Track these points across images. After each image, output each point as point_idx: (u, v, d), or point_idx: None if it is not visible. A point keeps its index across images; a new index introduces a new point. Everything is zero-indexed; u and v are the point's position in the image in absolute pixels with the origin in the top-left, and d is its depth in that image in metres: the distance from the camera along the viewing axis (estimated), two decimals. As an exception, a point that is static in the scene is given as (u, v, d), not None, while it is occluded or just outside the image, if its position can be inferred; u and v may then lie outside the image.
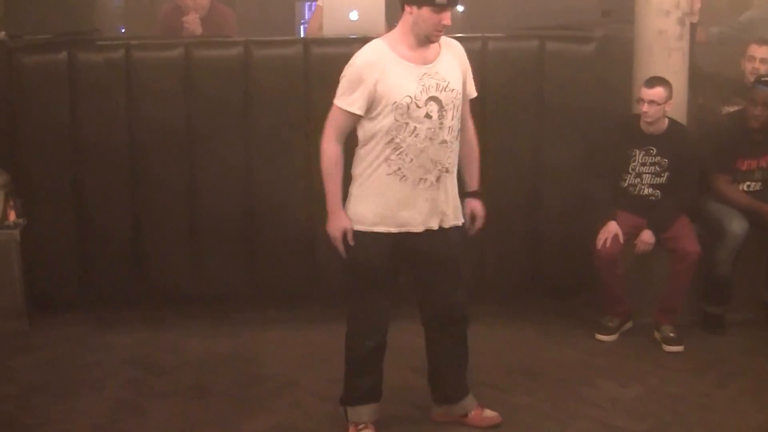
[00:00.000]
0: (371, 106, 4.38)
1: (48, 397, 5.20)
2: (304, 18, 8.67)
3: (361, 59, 4.45)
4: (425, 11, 4.30)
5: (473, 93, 4.68)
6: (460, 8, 8.75)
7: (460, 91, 4.49)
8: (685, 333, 5.85)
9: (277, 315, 6.23)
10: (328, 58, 5.99)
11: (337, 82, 6.08)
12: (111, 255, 6.18)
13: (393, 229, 4.45)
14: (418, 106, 4.34)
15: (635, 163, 5.94)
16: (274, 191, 6.09)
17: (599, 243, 5.78)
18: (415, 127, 4.35)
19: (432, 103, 4.36)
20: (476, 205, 4.75)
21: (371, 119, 4.40)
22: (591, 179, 6.00)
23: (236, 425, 4.88)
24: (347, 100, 4.41)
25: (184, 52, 6.10)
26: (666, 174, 5.90)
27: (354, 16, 6.18)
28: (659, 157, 5.89)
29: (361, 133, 4.45)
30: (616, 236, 5.77)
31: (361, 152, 4.47)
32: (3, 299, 6.13)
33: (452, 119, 4.43)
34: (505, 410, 4.96)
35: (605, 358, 5.67)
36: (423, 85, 4.35)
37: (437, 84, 4.38)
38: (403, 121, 4.34)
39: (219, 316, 6.19)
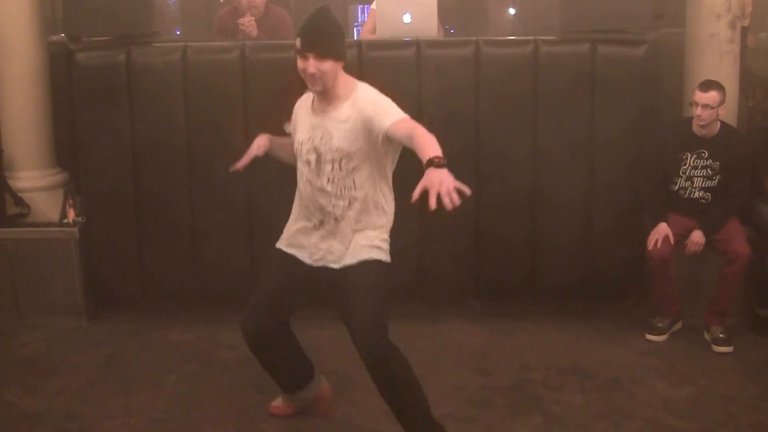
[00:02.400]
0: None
1: (108, 392, 5.30)
2: (357, 21, 8.69)
3: (296, 103, 4.74)
4: (298, 59, 4.38)
5: (389, 121, 4.30)
6: (511, 11, 8.79)
7: (345, 147, 4.42)
8: (735, 334, 5.86)
9: (334, 313, 6.26)
10: (383, 61, 6.08)
11: (390, 84, 6.19)
12: (170, 252, 6.28)
13: (296, 255, 4.65)
14: (302, 153, 4.56)
15: (686, 167, 5.97)
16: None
17: (650, 244, 5.82)
18: (302, 171, 4.58)
19: (312, 153, 4.50)
20: (434, 175, 3.84)
21: None
22: (642, 182, 6.05)
23: (293, 421, 4.96)
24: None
25: (239, 54, 6.17)
26: (717, 177, 5.92)
27: (407, 18, 6.24)
28: (711, 160, 5.91)
29: None
30: (666, 237, 5.81)
31: None
32: (62, 296, 6.26)
33: (332, 171, 4.47)
34: (559, 409, 5.04)
35: (656, 359, 5.71)
36: (311, 135, 4.52)
37: (321, 136, 4.48)
38: (298, 163, 4.62)
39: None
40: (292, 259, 4.65)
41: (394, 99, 5.88)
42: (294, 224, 4.69)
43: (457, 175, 6.23)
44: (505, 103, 6.09)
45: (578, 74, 6.12)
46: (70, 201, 6.26)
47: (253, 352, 4.72)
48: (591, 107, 6.13)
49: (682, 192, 6.02)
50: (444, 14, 6.73)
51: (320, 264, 4.59)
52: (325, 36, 4.35)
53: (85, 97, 6.24)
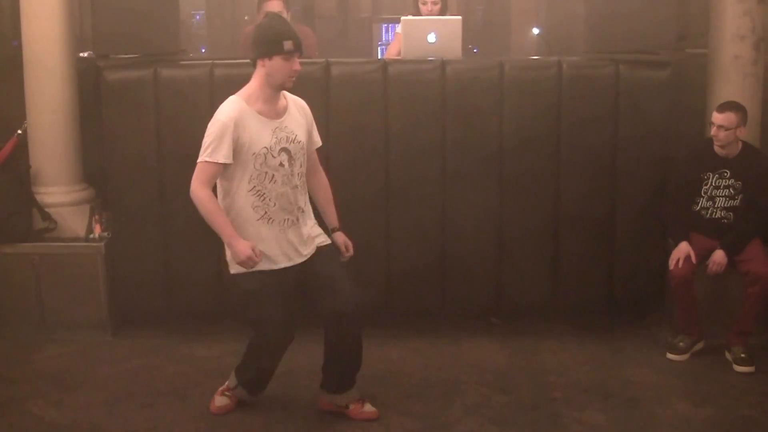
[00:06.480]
0: (234, 155, 4.75)
1: (133, 406, 5.34)
2: (381, 40, 8.74)
3: (223, 116, 4.76)
4: (277, 61, 4.74)
5: (318, 143, 5.17)
6: (535, 31, 8.82)
7: (305, 142, 4.97)
8: (756, 354, 5.83)
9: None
10: (406, 78, 6.12)
11: (414, 105, 6.20)
12: (195, 268, 6.28)
13: (273, 267, 4.89)
14: (273, 156, 4.80)
15: (708, 187, 5.98)
16: (353, 207, 6.16)
17: (672, 264, 5.82)
18: (273, 175, 4.81)
19: (283, 153, 4.83)
20: (345, 238, 5.22)
21: (231, 170, 4.79)
22: (664, 202, 6.06)
23: (317, 438, 4.99)
24: (215, 154, 4.72)
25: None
26: (740, 197, 5.93)
27: (432, 38, 6.28)
28: (733, 180, 5.92)
29: (224, 184, 4.87)
30: (688, 257, 5.81)
31: (225, 203, 4.88)
32: (88, 311, 6.31)
33: (300, 166, 4.93)
34: (580, 428, 5.04)
35: (678, 378, 5.70)
36: (276, 138, 4.81)
37: (287, 136, 4.85)
38: (262, 171, 4.79)
39: (300, 330, 6.28)
40: (274, 274, 4.90)
41: (418, 119, 6.01)
42: (264, 236, 4.86)
43: (480, 194, 6.30)
44: (528, 124, 6.11)
45: (602, 95, 6.13)
46: (97, 216, 6.32)
47: (278, 352, 5.14)
48: (614, 128, 6.14)
49: (704, 212, 6.02)
50: (467, 34, 6.76)
51: (293, 262, 4.95)
52: None
53: (112, 114, 6.27)
